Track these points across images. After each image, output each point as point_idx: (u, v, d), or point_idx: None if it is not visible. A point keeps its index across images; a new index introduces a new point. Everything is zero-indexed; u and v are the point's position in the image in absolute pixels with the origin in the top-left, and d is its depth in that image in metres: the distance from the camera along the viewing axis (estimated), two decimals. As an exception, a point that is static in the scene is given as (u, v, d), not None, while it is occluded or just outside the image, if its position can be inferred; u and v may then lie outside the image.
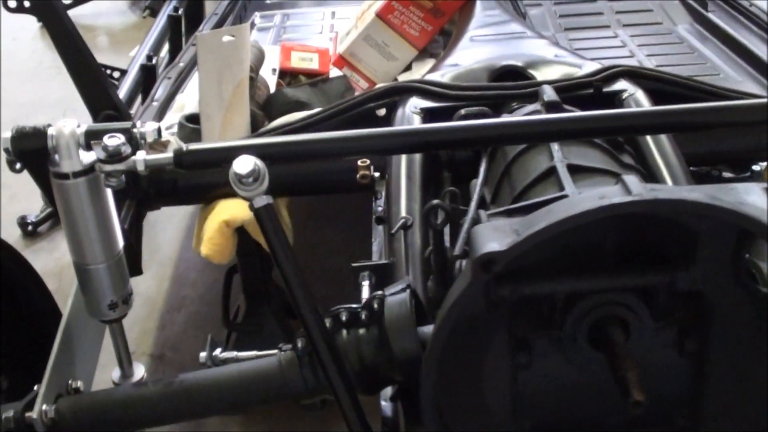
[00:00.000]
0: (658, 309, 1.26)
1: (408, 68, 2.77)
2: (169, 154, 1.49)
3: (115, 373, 1.74)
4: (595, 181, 1.58)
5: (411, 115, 2.05)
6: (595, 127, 1.55)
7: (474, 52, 2.34)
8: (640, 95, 2.07)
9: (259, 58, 2.67)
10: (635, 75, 2.15)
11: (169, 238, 3.11)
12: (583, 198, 1.12)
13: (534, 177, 1.61)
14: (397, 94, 2.15)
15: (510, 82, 2.10)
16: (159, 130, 1.56)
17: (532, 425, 1.37)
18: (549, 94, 1.79)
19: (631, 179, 1.13)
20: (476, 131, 1.57)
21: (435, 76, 2.21)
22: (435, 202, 1.34)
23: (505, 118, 1.67)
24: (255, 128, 2.50)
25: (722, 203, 1.08)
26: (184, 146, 1.51)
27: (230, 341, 2.29)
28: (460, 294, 1.10)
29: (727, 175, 2.35)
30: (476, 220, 1.43)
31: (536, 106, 1.77)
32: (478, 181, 1.44)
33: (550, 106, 1.73)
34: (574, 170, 1.58)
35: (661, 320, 1.28)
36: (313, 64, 2.66)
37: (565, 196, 1.45)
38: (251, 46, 2.66)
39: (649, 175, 1.84)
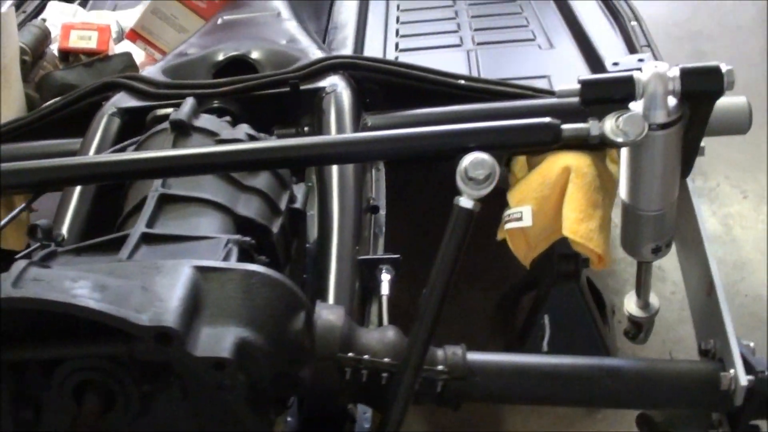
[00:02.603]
0: (139, 374, 1.23)
1: (201, 40, 2.69)
2: None
3: None
4: (188, 212, 1.53)
5: (108, 117, 1.99)
6: (181, 164, 1.47)
7: (209, 39, 2.26)
8: (344, 93, 1.98)
9: (41, 39, 2.63)
10: (353, 67, 2.05)
11: None
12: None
13: (133, 205, 1.56)
14: (109, 89, 2.09)
15: (207, 81, 2.03)
16: None
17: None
18: (182, 111, 1.71)
19: (17, 268, 1.08)
20: (54, 171, 1.49)
21: (153, 70, 2.14)
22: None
23: (94, 158, 1.59)
24: (32, 110, 2.48)
25: (100, 307, 1.04)
26: None
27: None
28: None
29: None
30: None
31: (166, 124, 1.70)
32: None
33: (175, 126, 1.66)
34: (171, 200, 1.53)
35: (150, 384, 1.25)
36: (91, 42, 2.59)
37: (125, 237, 1.42)
38: (33, 27, 2.62)
39: (320, 188, 1.79)
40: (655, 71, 1.32)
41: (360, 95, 2.07)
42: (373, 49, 2.79)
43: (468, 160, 1.28)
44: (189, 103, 1.73)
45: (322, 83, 2.00)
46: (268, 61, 2.13)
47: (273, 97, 1.98)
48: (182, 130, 1.66)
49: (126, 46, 2.71)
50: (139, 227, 1.44)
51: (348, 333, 1.38)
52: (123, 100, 2.03)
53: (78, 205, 1.82)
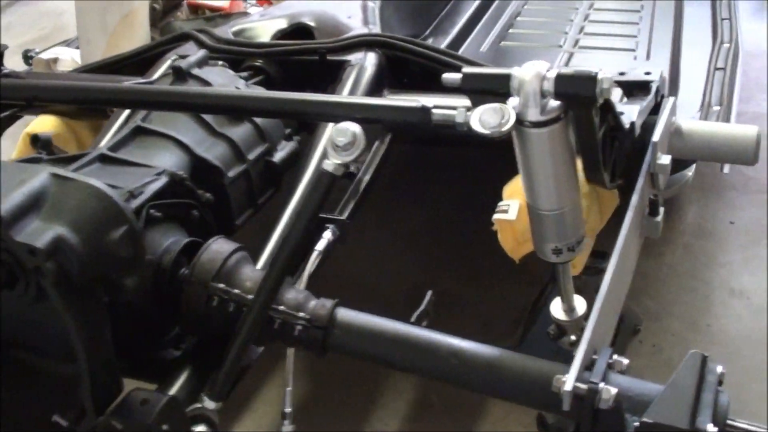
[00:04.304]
0: None
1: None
2: None
3: None
4: (154, 145, 1.75)
5: (170, 62, 2.26)
6: (143, 99, 1.69)
7: (286, 7, 2.47)
8: (368, 69, 2.11)
9: (174, -9, 2.97)
10: (382, 45, 2.18)
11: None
12: None
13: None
14: (183, 40, 2.36)
15: (253, 42, 2.25)
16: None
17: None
18: (187, 60, 1.93)
19: None
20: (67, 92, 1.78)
21: (226, 27, 2.39)
22: None
23: (88, 83, 1.83)
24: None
25: None
26: None
27: None
28: None
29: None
30: None
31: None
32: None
33: (175, 71, 1.89)
34: (145, 132, 1.77)
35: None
36: (216, 0, 2.89)
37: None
38: (170, -19, 2.97)
39: (309, 146, 1.94)
40: (532, 70, 1.35)
41: (392, 73, 2.19)
42: (475, 39, 2.89)
43: (335, 127, 1.40)
44: (198, 54, 1.96)
45: (349, 57, 2.14)
46: (326, 32, 2.30)
47: (305, 63, 2.16)
48: (180, 76, 1.89)
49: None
50: (101, 149, 1.69)
51: (231, 267, 1.54)
52: (187, 49, 2.29)
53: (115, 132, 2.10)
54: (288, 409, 1.65)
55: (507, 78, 1.37)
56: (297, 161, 1.95)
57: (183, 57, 2.25)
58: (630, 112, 1.67)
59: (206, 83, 1.89)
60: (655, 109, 1.90)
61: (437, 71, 2.15)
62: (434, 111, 1.40)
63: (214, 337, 1.58)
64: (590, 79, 1.32)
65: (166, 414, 1.38)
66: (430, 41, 2.77)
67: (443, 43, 2.76)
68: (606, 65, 2.61)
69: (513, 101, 1.37)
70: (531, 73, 1.35)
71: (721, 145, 1.88)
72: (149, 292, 1.55)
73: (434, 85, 2.17)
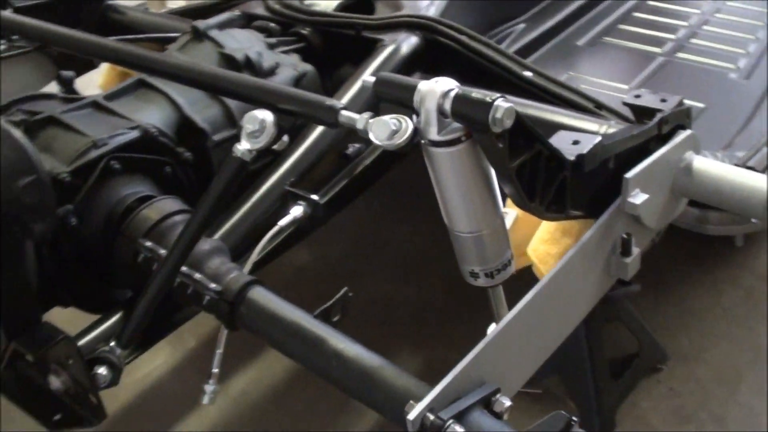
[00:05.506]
0: None
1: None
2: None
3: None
4: (149, 99, 1.86)
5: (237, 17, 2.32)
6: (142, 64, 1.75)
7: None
8: (402, 51, 2.08)
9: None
10: (424, 28, 2.13)
11: None
12: None
13: None
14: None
15: (303, 8, 2.26)
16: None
17: None
18: (208, 21, 2.00)
19: None
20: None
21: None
22: None
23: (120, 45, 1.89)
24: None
25: None
26: None
27: None
28: None
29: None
30: None
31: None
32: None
33: (193, 30, 1.97)
34: (146, 86, 1.88)
35: None
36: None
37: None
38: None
39: None
40: (434, 86, 1.29)
41: (430, 59, 2.14)
42: (578, 30, 2.77)
43: (247, 113, 1.42)
44: (221, 16, 2.03)
45: (384, 36, 2.11)
46: (388, 5, 2.29)
47: (344, 37, 2.16)
48: (197, 35, 1.97)
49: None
50: (97, 97, 1.81)
51: (166, 227, 1.61)
52: (252, 6, 2.36)
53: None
54: (215, 370, 1.71)
55: (410, 90, 1.32)
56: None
57: (247, 14, 2.33)
58: (587, 143, 1.55)
59: (219, 45, 1.96)
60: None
61: (477, 64, 2.13)
62: (342, 112, 1.38)
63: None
64: (485, 105, 1.25)
65: (57, 351, 1.48)
66: (521, 27, 2.67)
67: (536, 31, 2.65)
68: (690, 80, 2.46)
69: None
70: (428, 88, 1.30)
71: (730, 192, 1.71)
72: (99, 236, 1.67)
73: (470, 78, 2.13)
